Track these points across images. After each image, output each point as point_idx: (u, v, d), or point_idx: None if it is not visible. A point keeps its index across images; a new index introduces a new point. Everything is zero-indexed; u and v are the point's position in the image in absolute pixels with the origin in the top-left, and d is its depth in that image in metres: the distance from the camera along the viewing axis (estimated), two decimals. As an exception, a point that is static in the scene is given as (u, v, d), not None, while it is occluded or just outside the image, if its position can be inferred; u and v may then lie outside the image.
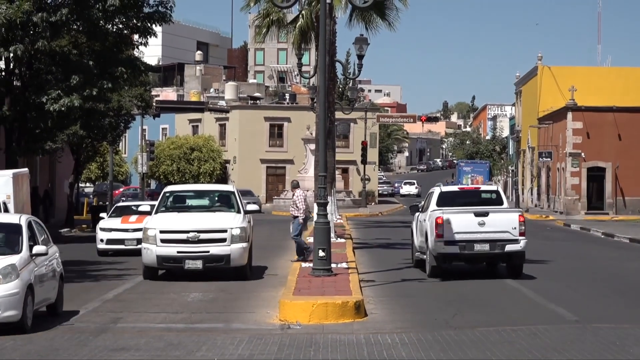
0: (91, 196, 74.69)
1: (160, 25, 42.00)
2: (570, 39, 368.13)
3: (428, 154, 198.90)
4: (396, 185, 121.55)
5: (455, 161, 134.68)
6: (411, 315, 18.47)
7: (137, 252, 28.04)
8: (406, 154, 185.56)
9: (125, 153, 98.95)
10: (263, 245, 37.41)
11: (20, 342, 15.21)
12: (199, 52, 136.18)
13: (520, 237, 25.31)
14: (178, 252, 23.87)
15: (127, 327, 17.02)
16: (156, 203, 26.88)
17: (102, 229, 34.07)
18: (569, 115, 70.02)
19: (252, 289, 22.44)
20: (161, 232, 23.99)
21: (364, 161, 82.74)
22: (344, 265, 25.25)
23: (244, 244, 24.02)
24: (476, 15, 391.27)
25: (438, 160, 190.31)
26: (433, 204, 26.62)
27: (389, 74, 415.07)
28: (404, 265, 28.56)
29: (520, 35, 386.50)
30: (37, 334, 16.16)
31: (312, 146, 59.30)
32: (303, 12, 37.29)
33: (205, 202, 26.52)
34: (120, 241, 33.49)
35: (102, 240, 33.84)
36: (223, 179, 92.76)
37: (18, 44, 37.03)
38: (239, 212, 25.24)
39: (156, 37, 45.10)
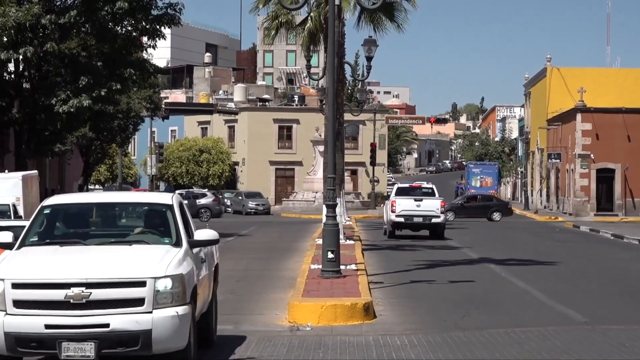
0: (100, 198, 74.81)
1: (169, 28, 42.10)
2: (580, 40, 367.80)
3: (437, 155, 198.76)
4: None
5: (464, 163, 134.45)
6: (420, 317, 18.44)
7: None
8: (415, 155, 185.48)
9: (134, 155, 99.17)
10: (272, 247, 37.49)
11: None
12: (207, 54, 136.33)
13: (441, 215, 42.37)
14: (48, 326, 11.87)
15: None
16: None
17: None
18: (578, 116, 69.95)
19: (261, 291, 22.42)
20: (15, 286, 12.04)
21: (373, 163, 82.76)
22: (353, 266, 25.22)
23: (182, 309, 12.16)
24: (485, 17, 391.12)
25: (447, 161, 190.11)
26: (393, 194, 44.01)
27: (397, 75, 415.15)
28: (413, 266, 28.54)
29: (529, 37, 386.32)
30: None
31: (321, 148, 59.32)
32: (312, 14, 37.28)
33: (116, 225, 14.58)
34: None
35: None
36: (232, 181, 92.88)
37: (27, 46, 37.18)
38: (177, 244, 13.25)
39: (165, 39, 45.24)
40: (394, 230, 43.00)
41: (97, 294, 11.92)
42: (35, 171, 37.75)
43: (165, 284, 12.06)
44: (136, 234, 13.77)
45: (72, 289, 11.89)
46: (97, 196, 15.31)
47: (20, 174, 35.01)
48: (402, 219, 42.21)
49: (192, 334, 12.56)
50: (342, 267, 23.15)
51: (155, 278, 12.04)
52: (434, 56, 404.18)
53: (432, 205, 42.23)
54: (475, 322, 17.51)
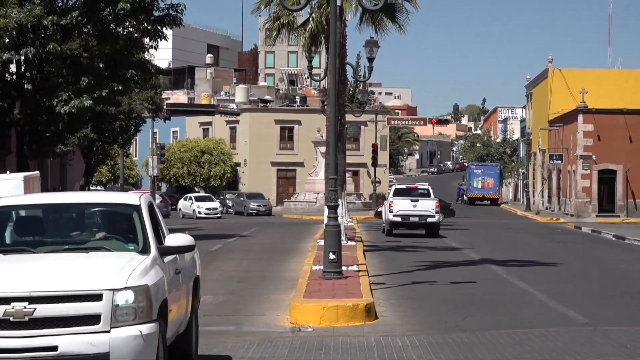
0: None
1: (170, 29, 42.11)
2: (581, 41, 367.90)
3: (439, 156, 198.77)
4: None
5: (466, 164, 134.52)
6: (422, 318, 18.44)
7: None
8: (417, 156, 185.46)
9: (136, 156, 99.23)
10: (274, 248, 37.49)
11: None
12: (209, 55, 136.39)
13: (436, 214, 44.89)
14: None
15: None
16: None
17: None
18: (580, 117, 69.94)
19: (263, 292, 22.43)
20: None
21: (375, 164, 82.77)
22: (355, 267, 25.22)
23: (146, 328, 10.05)
24: (487, 18, 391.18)
25: (449, 162, 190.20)
26: (391, 194, 46.93)
27: (399, 76, 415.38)
28: (414, 267, 28.54)
29: (530, 38, 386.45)
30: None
31: (323, 149, 59.36)
32: (313, 15, 37.30)
33: (74, 230, 11.99)
34: None
35: None
36: (234, 182, 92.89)
37: (29, 47, 37.19)
38: (144, 251, 11.15)
39: (167, 40, 45.24)
40: (392, 229, 45.49)
41: (43, 310, 9.80)
42: (37, 172, 37.68)
43: (126, 298, 9.95)
44: (97, 239, 11.55)
45: (12, 304, 9.78)
46: (50, 197, 13.12)
47: (21, 175, 34.94)
48: (399, 219, 45.02)
49: (162, 358, 10.42)
50: (343, 268, 23.15)
51: (114, 290, 9.92)
52: (435, 57, 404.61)
53: (427, 206, 44.98)
54: (477, 323, 17.51)
